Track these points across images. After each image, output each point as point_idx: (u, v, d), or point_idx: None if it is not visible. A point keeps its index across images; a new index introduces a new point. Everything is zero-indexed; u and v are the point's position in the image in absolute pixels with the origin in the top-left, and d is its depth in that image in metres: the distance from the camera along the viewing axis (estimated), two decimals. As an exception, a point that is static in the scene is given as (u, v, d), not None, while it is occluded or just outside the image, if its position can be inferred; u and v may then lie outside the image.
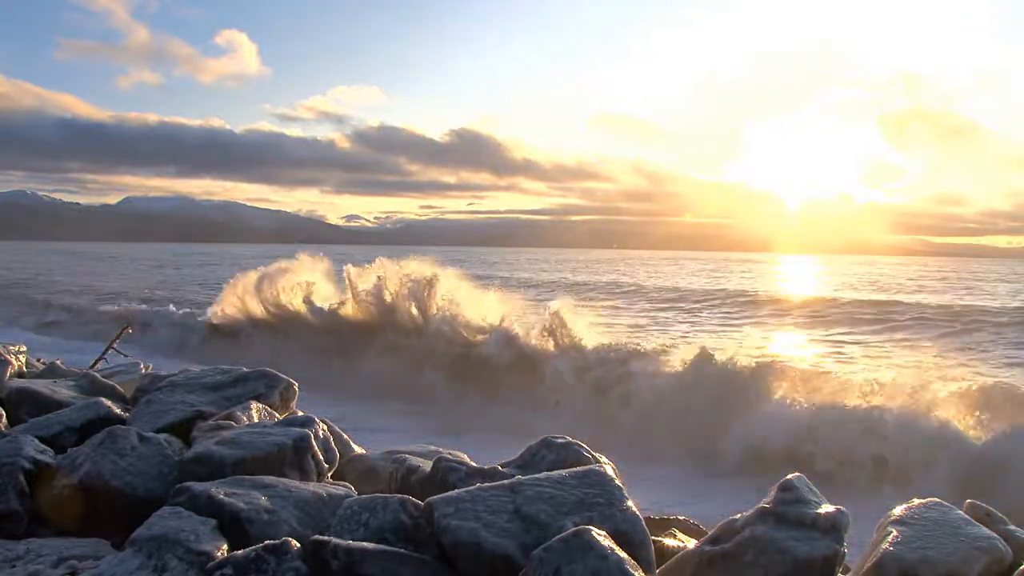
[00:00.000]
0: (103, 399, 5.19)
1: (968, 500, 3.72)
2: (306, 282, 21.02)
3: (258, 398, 5.30)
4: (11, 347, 6.79)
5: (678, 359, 13.62)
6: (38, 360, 7.87)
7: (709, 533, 3.66)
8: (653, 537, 3.48)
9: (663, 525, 4.58)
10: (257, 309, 21.71)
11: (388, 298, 18.55)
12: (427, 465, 4.42)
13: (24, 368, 6.82)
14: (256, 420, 4.94)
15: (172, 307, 27.78)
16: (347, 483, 4.29)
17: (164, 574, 3.03)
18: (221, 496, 3.53)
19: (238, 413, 4.90)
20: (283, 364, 7.47)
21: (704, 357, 13.23)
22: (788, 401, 11.53)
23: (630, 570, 2.82)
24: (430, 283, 17.95)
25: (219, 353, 17.95)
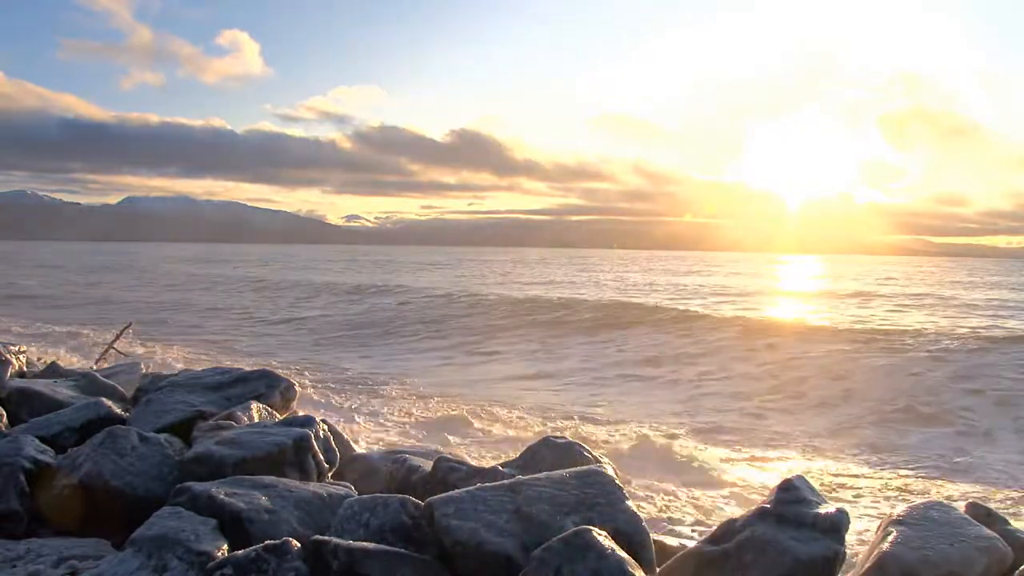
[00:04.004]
0: (103, 399, 5.20)
1: (968, 500, 3.72)
2: None
3: (258, 398, 5.30)
4: (11, 347, 6.80)
5: None
6: (38, 360, 7.88)
7: (709, 533, 3.66)
8: (653, 537, 3.48)
9: (664, 525, 4.58)
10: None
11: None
12: (427, 465, 4.42)
13: (25, 368, 6.82)
14: (256, 420, 4.94)
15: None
16: (347, 483, 4.29)
17: (164, 574, 3.03)
18: (221, 496, 3.53)
19: (238, 413, 4.90)
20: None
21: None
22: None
23: (630, 570, 2.82)
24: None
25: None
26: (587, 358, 16.01)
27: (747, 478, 7.26)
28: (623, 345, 17.44)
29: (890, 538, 3.25)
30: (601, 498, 3.38)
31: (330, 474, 4.53)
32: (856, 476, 7.46)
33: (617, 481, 3.55)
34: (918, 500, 3.59)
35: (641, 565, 2.99)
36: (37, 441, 4.37)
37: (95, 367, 8.80)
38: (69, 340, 16.52)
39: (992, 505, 3.88)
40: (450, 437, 8.28)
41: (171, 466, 4.17)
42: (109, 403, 5.11)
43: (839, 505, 3.50)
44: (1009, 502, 6.48)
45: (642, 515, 3.47)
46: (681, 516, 5.62)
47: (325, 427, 4.76)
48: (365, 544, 3.12)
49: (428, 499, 3.42)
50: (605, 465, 3.89)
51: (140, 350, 14.39)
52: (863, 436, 9.45)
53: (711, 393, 12.48)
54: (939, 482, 7.36)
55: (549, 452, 4.57)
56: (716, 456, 8.04)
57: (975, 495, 6.52)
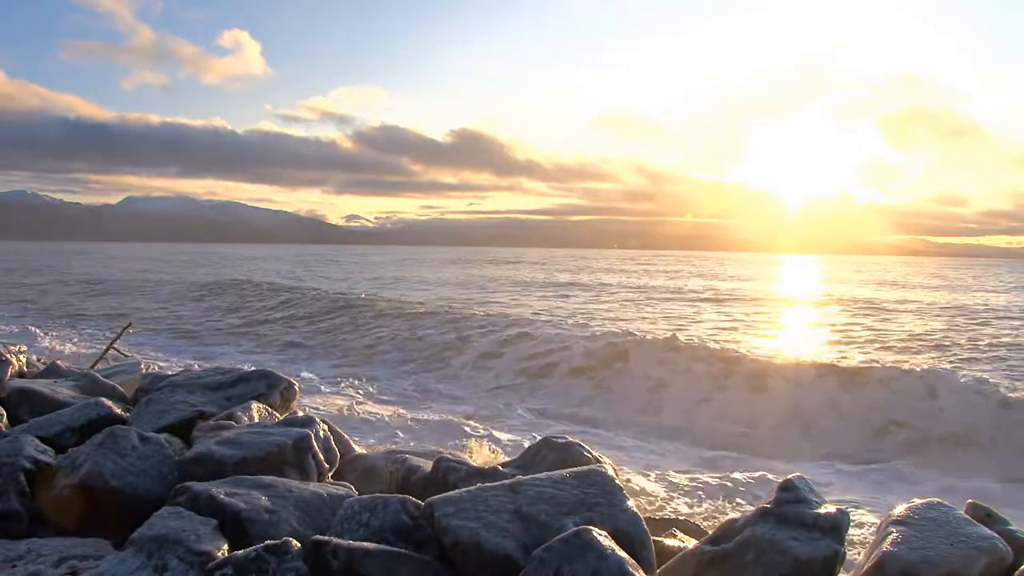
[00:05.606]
0: (104, 399, 5.19)
1: (969, 500, 3.72)
2: None
3: (258, 398, 5.31)
4: (12, 347, 6.79)
5: None
6: (39, 360, 7.88)
7: (710, 533, 3.66)
8: (653, 537, 3.49)
9: (663, 525, 4.58)
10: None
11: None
12: (427, 465, 4.42)
13: (25, 368, 6.82)
14: (256, 420, 4.95)
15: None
16: (347, 483, 4.29)
17: (165, 574, 3.03)
18: (222, 496, 3.53)
19: (238, 413, 4.90)
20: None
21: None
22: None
23: (630, 570, 2.82)
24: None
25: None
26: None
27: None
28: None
29: (890, 538, 3.25)
30: (601, 498, 3.38)
31: (330, 474, 4.53)
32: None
33: (617, 481, 3.55)
34: (918, 500, 3.59)
35: (641, 565, 2.99)
36: (37, 441, 4.36)
37: (96, 367, 8.80)
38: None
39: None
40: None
41: (171, 466, 4.17)
42: (109, 403, 5.11)
43: (839, 505, 3.50)
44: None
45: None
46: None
47: (325, 427, 4.76)
48: (365, 544, 3.12)
49: (428, 499, 3.42)
50: (605, 465, 3.89)
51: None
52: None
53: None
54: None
55: (550, 452, 4.57)
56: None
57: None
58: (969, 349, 16.58)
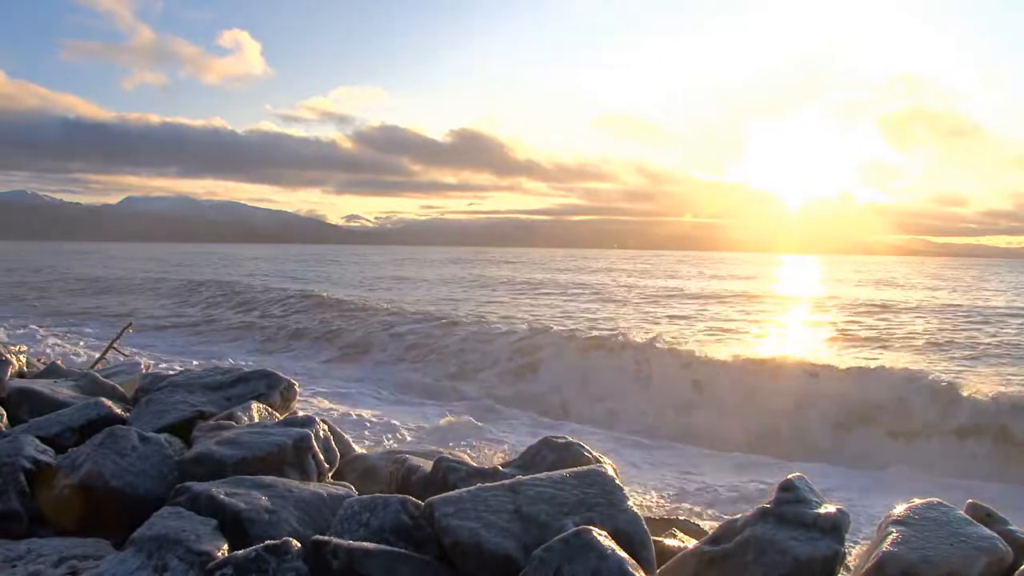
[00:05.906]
0: (104, 399, 5.19)
1: (969, 500, 3.72)
2: None
3: (258, 398, 5.31)
4: (12, 347, 6.79)
5: None
6: (39, 360, 7.88)
7: (709, 533, 3.66)
8: (653, 537, 3.49)
9: (663, 525, 4.58)
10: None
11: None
12: (427, 465, 4.42)
13: (25, 368, 6.82)
14: (256, 420, 4.94)
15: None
16: (347, 483, 4.29)
17: (165, 574, 3.03)
18: (222, 496, 3.53)
19: (239, 413, 4.90)
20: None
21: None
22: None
23: (630, 570, 2.82)
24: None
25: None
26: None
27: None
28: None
29: (890, 538, 3.25)
30: (601, 498, 3.38)
31: (330, 474, 4.53)
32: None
33: (617, 481, 3.55)
34: (918, 500, 3.59)
35: (641, 565, 2.99)
36: (37, 441, 4.36)
37: (95, 367, 8.80)
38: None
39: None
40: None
41: (171, 466, 4.17)
42: (109, 403, 5.11)
43: (839, 505, 3.50)
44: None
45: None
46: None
47: (325, 427, 4.76)
48: (365, 544, 3.12)
49: (428, 499, 3.42)
50: (605, 465, 3.89)
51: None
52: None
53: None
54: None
55: (550, 452, 4.57)
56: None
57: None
58: (969, 348, 16.61)
